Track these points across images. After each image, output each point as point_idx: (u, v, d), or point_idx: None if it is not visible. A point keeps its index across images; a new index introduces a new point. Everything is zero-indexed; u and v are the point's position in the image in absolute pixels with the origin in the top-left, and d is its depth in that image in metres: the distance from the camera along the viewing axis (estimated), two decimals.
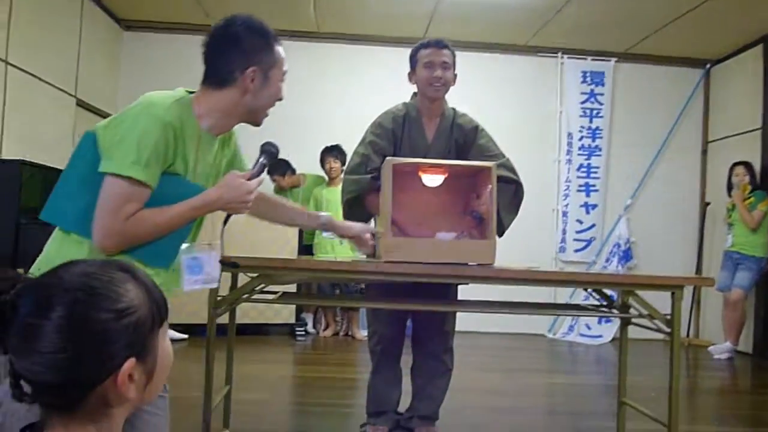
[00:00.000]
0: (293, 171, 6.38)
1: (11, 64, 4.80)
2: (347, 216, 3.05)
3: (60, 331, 0.83)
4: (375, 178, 2.96)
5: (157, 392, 0.96)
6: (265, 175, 1.82)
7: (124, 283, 0.89)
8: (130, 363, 0.86)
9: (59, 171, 5.54)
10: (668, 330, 2.73)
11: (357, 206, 2.99)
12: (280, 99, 1.82)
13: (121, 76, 6.87)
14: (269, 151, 1.83)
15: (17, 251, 4.14)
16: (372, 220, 3.06)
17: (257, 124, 1.82)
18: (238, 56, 1.71)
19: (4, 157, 4.65)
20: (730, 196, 6.25)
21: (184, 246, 1.73)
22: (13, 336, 0.85)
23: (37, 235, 4.23)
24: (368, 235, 2.43)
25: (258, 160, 1.80)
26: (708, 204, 6.99)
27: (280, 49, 1.78)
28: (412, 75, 3.04)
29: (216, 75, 1.72)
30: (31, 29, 5.06)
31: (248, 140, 2.13)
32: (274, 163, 6.33)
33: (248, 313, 5.70)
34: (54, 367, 0.82)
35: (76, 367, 0.83)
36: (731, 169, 6.29)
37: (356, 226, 2.47)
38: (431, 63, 2.94)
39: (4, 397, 1.42)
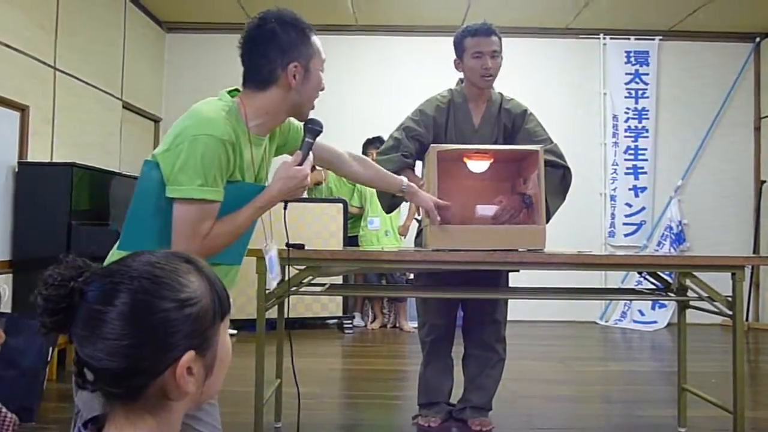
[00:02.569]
0: (312, 169, 6.35)
1: (59, 70, 4.90)
2: (381, 196, 3.07)
3: (123, 318, 0.84)
4: (406, 156, 2.94)
5: (216, 388, 0.95)
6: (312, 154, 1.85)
7: (188, 274, 0.89)
8: (189, 355, 0.86)
9: (108, 173, 5.57)
10: (730, 313, 2.63)
11: None
12: (323, 89, 1.81)
13: (164, 78, 6.94)
14: (312, 129, 1.83)
15: (69, 252, 4.22)
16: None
17: (303, 118, 1.82)
18: (278, 54, 1.68)
19: (55, 160, 4.76)
20: None
21: (264, 246, 1.89)
22: (79, 323, 0.86)
23: (88, 237, 4.36)
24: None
25: (304, 140, 1.82)
26: (764, 182, 6.75)
27: (316, 39, 1.75)
28: (459, 63, 2.98)
29: (258, 76, 1.70)
30: (77, 35, 5.16)
31: None
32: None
33: (295, 307, 5.73)
34: (115, 354, 0.83)
35: (136, 355, 0.84)
36: None
37: (429, 198, 2.51)
38: (480, 53, 2.88)
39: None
